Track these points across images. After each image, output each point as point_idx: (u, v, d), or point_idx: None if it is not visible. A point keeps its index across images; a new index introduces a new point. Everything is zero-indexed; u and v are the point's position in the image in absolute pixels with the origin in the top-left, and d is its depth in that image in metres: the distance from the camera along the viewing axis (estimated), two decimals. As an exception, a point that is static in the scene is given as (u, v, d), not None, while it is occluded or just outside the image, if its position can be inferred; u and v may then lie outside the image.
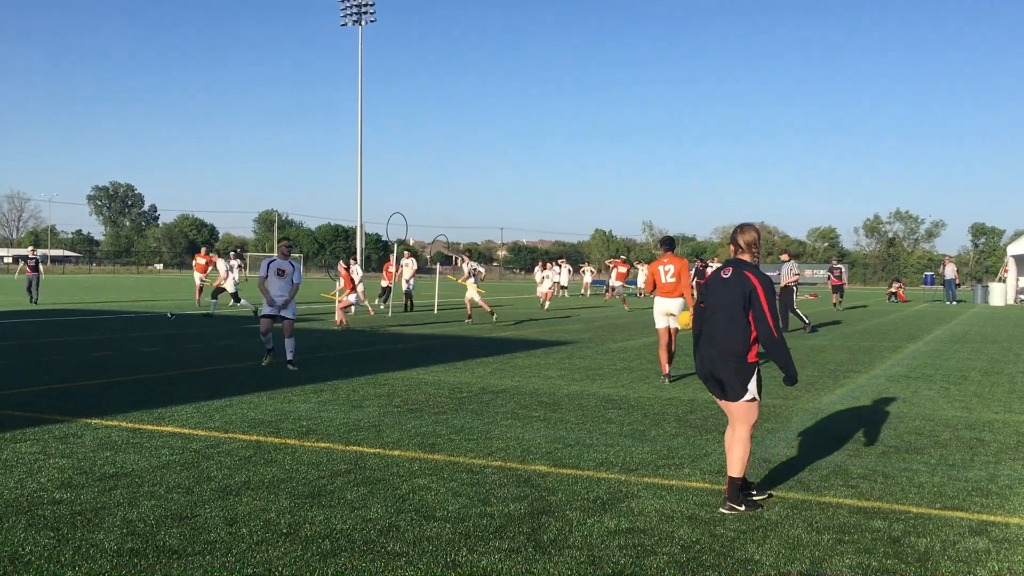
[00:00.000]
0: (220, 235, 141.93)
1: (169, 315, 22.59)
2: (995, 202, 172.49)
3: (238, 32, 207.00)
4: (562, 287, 47.94)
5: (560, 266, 48.15)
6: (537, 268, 51.25)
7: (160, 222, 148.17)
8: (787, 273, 22.56)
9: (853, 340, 19.35)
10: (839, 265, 38.33)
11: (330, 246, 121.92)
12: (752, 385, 5.68)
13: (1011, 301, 43.62)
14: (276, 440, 7.67)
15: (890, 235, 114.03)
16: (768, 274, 5.86)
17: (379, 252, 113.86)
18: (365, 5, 69.28)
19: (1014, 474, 6.88)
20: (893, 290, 47.96)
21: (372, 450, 7.35)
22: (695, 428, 8.61)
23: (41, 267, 30.60)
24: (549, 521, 5.45)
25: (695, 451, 7.52)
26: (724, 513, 5.61)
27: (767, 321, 5.55)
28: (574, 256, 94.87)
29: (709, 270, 41.20)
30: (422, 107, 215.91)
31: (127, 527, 5.16)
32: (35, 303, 28.65)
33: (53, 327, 19.74)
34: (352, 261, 23.45)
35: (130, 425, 8.22)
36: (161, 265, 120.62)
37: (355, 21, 69.50)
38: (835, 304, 34.71)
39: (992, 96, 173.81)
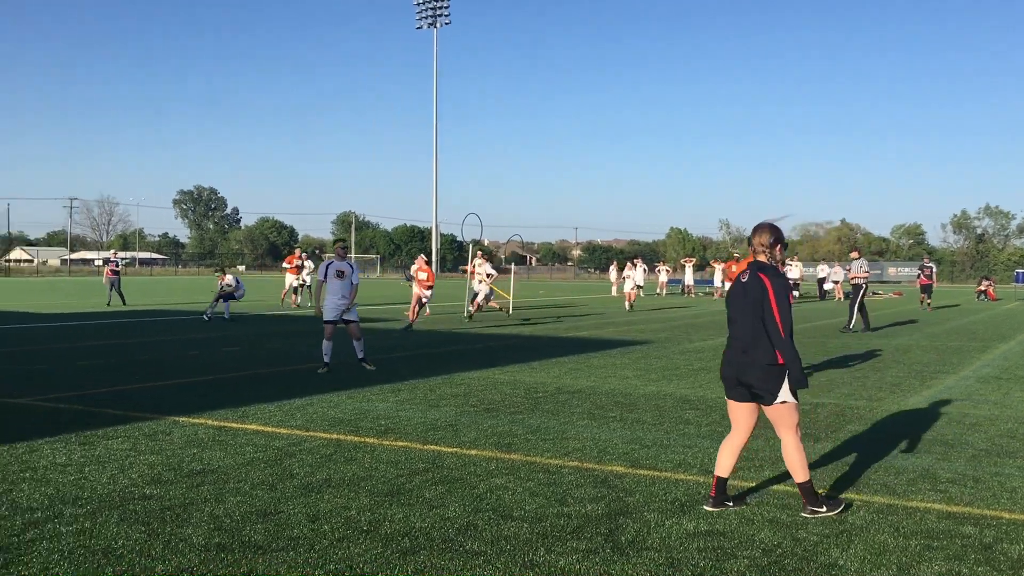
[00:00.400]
0: (299, 236, 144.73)
1: (206, 317, 23.02)
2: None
3: (316, 37, 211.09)
4: (638, 286, 47.58)
5: (636, 266, 47.84)
6: (612, 268, 51.06)
7: (242, 224, 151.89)
8: (857, 271, 22.10)
9: (940, 340, 18.79)
10: (930, 264, 37.12)
11: (406, 247, 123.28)
12: (785, 387, 5.57)
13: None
14: (356, 439, 7.79)
15: (979, 231, 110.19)
16: (787, 275, 5.78)
17: (454, 253, 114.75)
18: (440, 7, 69.93)
19: (1115, 480, 6.58)
20: (982, 288, 46.37)
21: (450, 449, 7.41)
22: (774, 430, 8.45)
23: (121, 270, 31.30)
24: (627, 522, 5.42)
25: (776, 453, 7.39)
26: (806, 517, 5.53)
27: (775, 321, 5.48)
28: (649, 255, 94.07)
29: (851, 267, 40.39)
30: (497, 107, 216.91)
31: (214, 522, 5.31)
32: (109, 305, 29.00)
33: (141, 328, 20.40)
34: (482, 258, 23.82)
35: (216, 423, 8.45)
36: (244, 267, 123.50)
37: (430, 24, 70.28)
38: (924, 304, 33.61)
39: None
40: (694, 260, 55.14)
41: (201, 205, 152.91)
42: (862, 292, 21.60)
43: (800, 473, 5.60)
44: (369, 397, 10.14)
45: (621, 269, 48.21)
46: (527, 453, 7.31)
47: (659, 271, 50.23)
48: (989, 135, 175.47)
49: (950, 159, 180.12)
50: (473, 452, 7.31)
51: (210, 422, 8.50)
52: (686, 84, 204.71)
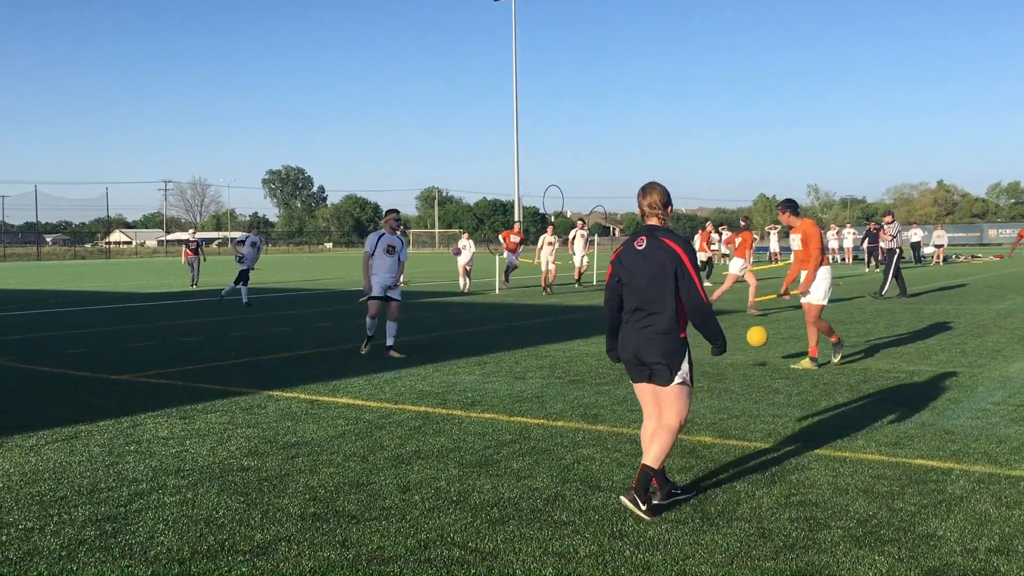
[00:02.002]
0: (383, 213, 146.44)
1: (245, 301, 23.13)
2: None
3: (394, 10, 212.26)
4: (724, 255, 46.84)
5: (721, 233, 47.00)
6: (698, 236, 50.28)
7: (328, 202, 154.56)
8: (890, 234, 21.45)
9: (1044, 303, 18.03)
10: None
11: (488, 220, 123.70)
12: (685, 366, 5.07)
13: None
14: (443, 411, 7.90)
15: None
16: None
17: (536, 225, 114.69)
18: (517, -22, 69.38)
19: None
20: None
21: (536, 421, 7.45)
22: (869, 398, 8.25)
23: (202, 250, 30.55)
24: (716, 492, 5.37)
25: (869, 422, 7.21)
26: (625, 502, 4.91)
27: (696, 288, 4.99)
28: (736, 223, 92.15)
29: (885, 230, 39.25)
30: (576, 77, 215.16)
31: (309, 493, 5.45)
32: (195, 285, 28.67)
33: (234, 305, 20.99)
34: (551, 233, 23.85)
35: (308, 397, 8.66)
36: (331, 244, 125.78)
37: (507, -5, 69.78)
38: None
39: None
40: (779, 227, 53.89)
41: (289, 184, 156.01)
42: (896, 257, 20.88)
43: (654, 458, 5.00)
44: (455, 370, 10.25)
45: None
46: (614, 424, 7.30)
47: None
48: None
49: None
50: (559, 423, 7.33)
51: (303, 396, 8.71)
52: (769, 46, 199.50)
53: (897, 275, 20.81)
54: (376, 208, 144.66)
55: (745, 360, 10.77)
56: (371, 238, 11.79)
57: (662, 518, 4.91)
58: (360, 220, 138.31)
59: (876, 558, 4.30)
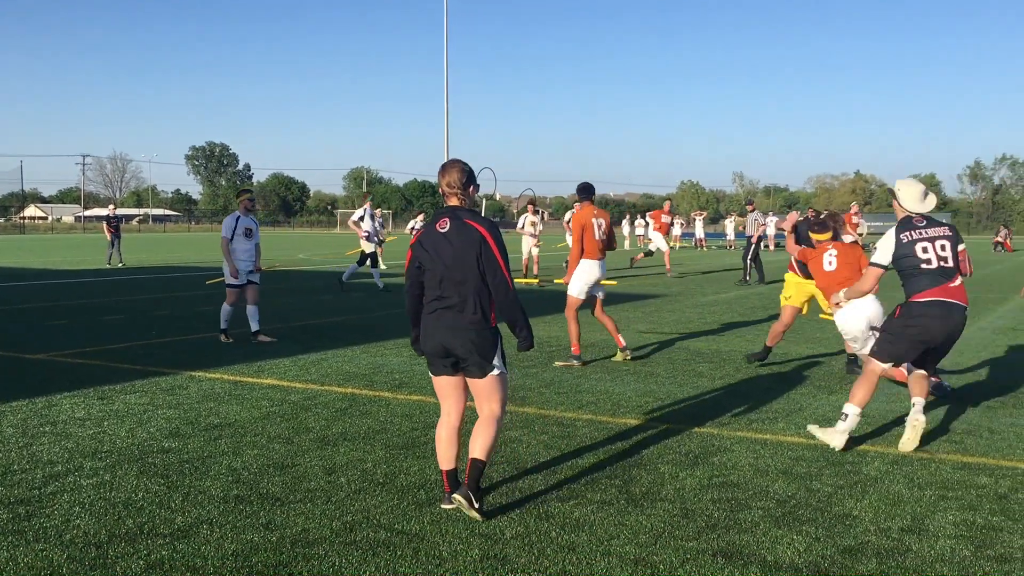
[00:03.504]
0: (311, 193, 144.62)
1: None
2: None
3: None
4: (649, 240, 47.46)
5: (648, 220, 47.64)
6: (625, 222, 50.88)
7: (254, 180, 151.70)
8: (752, 224, 21.99)
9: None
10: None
11: (418, 202, 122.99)
12: (499, 355, 4.78)
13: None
14: (370, 393, 7.84)
15: (996, 182, 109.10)
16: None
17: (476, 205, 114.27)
18: (450, -42, 68.89)
19: None
20: (999, 239, 46.04)
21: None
22: (790, 382, 8.46)
23: (121, 227, 28.51)
24: (640, 474, 5.44)
25: (789, 405, 7.39)
26: (459, 500, 4.60)
27: (502, 274, 4.67)
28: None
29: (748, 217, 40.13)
30: (508, 59, 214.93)
31: (232, 475, 5.36)
32: (111, 263, 27.11)
33: (155, 284, 20.49)
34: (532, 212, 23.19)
35: (232, 378, 8.51)
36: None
37: (440, -26, 69.25)
38: None
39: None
40: (705, 213, 54.94)
41: (213, 161, 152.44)
42: (755, 245, 21.57)
43: (483, 450, 4.68)
44: (383, 352, 10.18)
45: (632, 222, 48.14)
46: (541, 406, 7.34)
47: (672, 225, 50.07)
48: (1005, 83, 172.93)
49: (965, 108, 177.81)
50: (487, 405, 7.33)
51: (226, 377, 8.55)
52: (697, 33, 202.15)
53: (755, 260, 21.49)
54: (303, 188, 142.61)
55: (670, 344, 10.93)
56: (228, 221, 11.05)
57: (587, 499, 4.96)
58: (287, 199, 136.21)
59: (794, 537, 4.41)
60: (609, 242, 9.59)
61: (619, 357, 9.66)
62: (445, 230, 4.70)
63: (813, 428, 6.28)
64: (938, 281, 6.11)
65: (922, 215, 6.35)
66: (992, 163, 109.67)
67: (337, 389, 7.98)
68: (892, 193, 6.59)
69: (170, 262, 30.68)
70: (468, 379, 4.81)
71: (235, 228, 11.00)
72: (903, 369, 6.80)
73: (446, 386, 4.88)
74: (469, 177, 4.81)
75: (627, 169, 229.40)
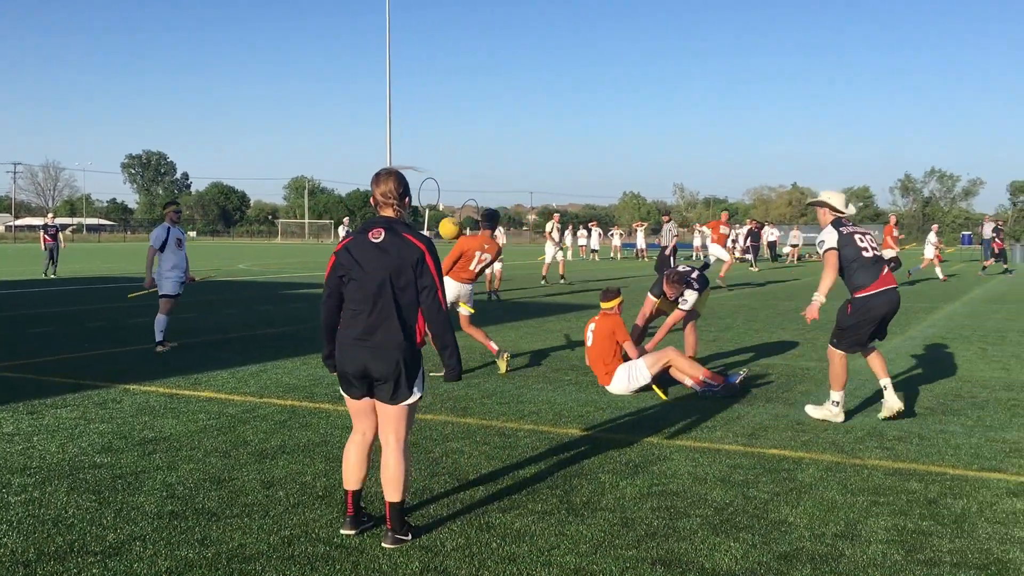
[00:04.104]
0: (251, 202, 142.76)
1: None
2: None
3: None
4: (592, 251, 47.84)
5: (591, 230, 48.01)
6: (567, 232, 51.17)
7: (192, 190, 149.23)
8: (667, 236, 22.26)
9: (888, 301, 19.17)
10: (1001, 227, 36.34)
11: (360, 211, 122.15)
12: (419, 381, 4.48)
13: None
14: (310, 405, 7.75)
15: (926, 194, 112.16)
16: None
17: (410, 218, 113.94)
18: (392, -33, 68.78)
19: (1053, 435, 6.79)
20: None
21: (405, 414, 7.39)
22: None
23: (59, 236, 27.95)
24: (581, 483, 5.47)
25: (728, 414, 7.50)
26: (387, 548, 4.39)
27: (437, 293, 4.36)
28: (605, 220, 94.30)
29: (765, 231, 40.62)
30: (450, 69, 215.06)
31: (167, 490, 5.26)
32: (49, 274, 26.56)
33: (90, 294, 20.02)
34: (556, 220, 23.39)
35: (167, 391, 8.34)
36: (194, 232, 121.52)
37: (382, -16, 69.07)
38: (986, 269, 32.51)
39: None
40: (646, 224, 55.56)
41: (150, 170, 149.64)
42: (670, 256, 21.91)
43: (398, 491, 4.45)
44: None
45: (575, 232, 48.46)
46: (483, 417, 7.33)
47: (612, 235, 50.56)
48: (933, 98, 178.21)
49: (895, 122, 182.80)
50: (429, 417, 7.31)
51: (161, 390, 8.39)
52: (638, 46, 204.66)
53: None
54: (243, 197, 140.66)
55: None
56: (159, 232, 11.08)
57: (528, 510, 4.96)
58: (226, 209, 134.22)
59: (732, 544, 4.47)
60: (480, 273, 9.78)
61: (502, 364, 9.46)
62: (379, 240, 4.38)
63: (810, 408, 7.33)
64: (877, 273, 7.08)
65: (849, 218, 7.36)
66: (922, 176, 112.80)
67: (276, 401, 7.88)
68: (821, 203, 7.44)
69: (105, 272, 30.01)
70: (378, 403, 4.49)
71: (166, 239, 11.04)
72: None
73: (361, 408, 4.58)
74: (406, 188, 4.55)
75: (570, 179, 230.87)
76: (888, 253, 24.33)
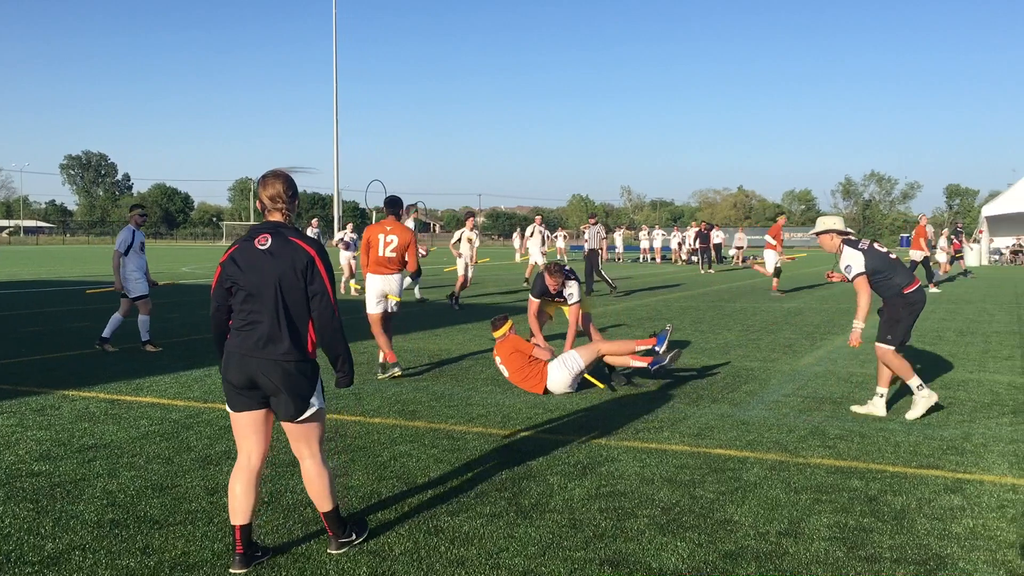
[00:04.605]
0: (196, 204, 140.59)
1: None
2: (970, 163, 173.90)
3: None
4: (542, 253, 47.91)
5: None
6: (516, 234, 51.32)
7: (134, 191, 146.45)
8: (594, 237, 22.47)
9: (830, 303, 19.50)
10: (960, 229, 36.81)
11: (306, 214, 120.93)
12: (318, 390, 4.26)
13: (985, 262, 44.12)
14: (256, 409, 7.64)
15: (866, 197, 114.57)
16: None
17: (357, 220, 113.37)
18: (338, -32, 68.26)
19: (988, 432, 6.98)
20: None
21: (352, 418, 7.35)
22: (674, 392, 8.66)
23: None
24: (530, 485, 5.48)
25: (674, 415, 7.57)
26: (333, 554, 4.35)
27: (329, 299, 4.18)
28: (553, 222, 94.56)
29: (714, 233, 40.91)
30: (398, 70, 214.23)
31: (107, 498, 5.15)
32: None
33: (27, 298, 19.52)
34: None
35: (108, 396, 8.17)
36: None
37: (329, -16, 68.54)
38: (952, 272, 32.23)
39: (964, 56, 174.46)
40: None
41: (90, 171, 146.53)
42: (598, 258, 22.05)
43: (328, 500, 4.34)
44: (270, 367, 9.94)
45: (523, 235, 48.57)
46: (431, 420, 7.31)
47: (557, 237, 50.79)
48: (875, 100, 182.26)
49: (838, 124, 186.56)
50: (377, 420, 7.26)
51: (102, 395, 8.21)
52: (586, 51, 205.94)
53: (599, 274, 21.98)
54: (187, 199, 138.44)
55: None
56: (124, 235, 11.14)
57: (477, 512, 4.96)
58: (169, 211, 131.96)
59: (678, 544, 4.51)
60: (401, 259, 9.48)
61: (389, 374, 9.35)
62: (265, 247, 4.17)
63: (856, 408, 7.75)
64: (910, 272, 7.74)
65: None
66: (861, 179, 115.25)
67: (221, 406, 7.76)
68: (826, 231, 7.77)
69: (42, 276, 29.30)
70: (283, 421, 4.24)
71: (131, 243, 11.11)
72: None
73: (248, 424, 4.25)
74: (295, 190, 4.33)
75: (519, 182, 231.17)
76: (917, 255, 23.74)
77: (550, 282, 9.43)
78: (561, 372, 8.49)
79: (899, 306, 7.54)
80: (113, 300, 19.35)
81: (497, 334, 9.02)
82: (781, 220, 24.32)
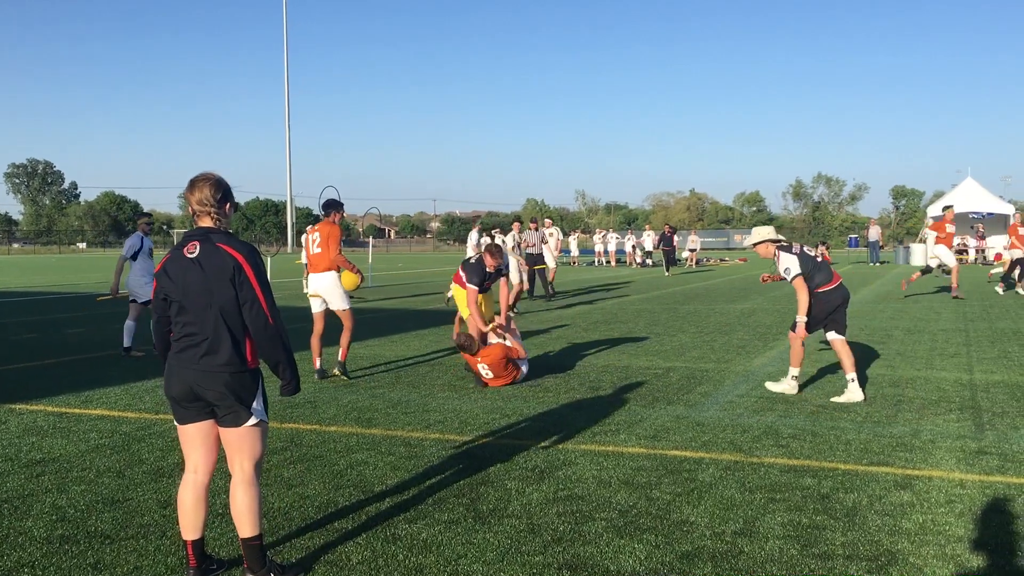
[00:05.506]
0: (138, 214, 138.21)
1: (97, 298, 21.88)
2: (914, 165, 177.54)
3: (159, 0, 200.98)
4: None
5: (492, 238, 47.88)
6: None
7: (82, 200, 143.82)
8: (532, 241, 22.35)
9: (782, 303, 19.77)
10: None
11: (260, 221, 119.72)
12: (259, 401, 4.15)
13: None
14: (209, 420, 7.54)
15: (815, 199, 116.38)
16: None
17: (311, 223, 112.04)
18: (288, -27, 67.79)
19: (936, 429, 7.12)
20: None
21: (308, 427, 7.29)
22: (630, 394, 8.72)
23: None
24: (488, 491, 5.47)
25: (630, 417, 7.62)
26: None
27: (261, 305, 4.01)
28: (508, 227, 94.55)
29: (677, 236, 41.17)
30: (351, 76, 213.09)
31: (57, 513, 5.05)
32: None
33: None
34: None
35: (56, 409, 8.01)
36: (84, 244, 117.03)
37: (279, -10, 68.00)
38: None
39: (910, 59, 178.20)
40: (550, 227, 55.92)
41: (36, 179, 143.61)
42: (535, 262, 21.85)
43: (249, 525, 4.08)
44: (223, 376, 9.82)
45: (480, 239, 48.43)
46: (388, 427, 7.27)
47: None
48: (822, 102, 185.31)
49: (787, 127, 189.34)
50: (333, 428, 7.21)
51: (50, 408, 8.05)
52: (540, 55, 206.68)
53: (541, 278, 22.02)
54: (136, 206, 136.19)
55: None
56: (133, 241, 11.86)
57: (435, 519, 4.95)
58: (118, 219, 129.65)
59: (636, 546, 4.54)
60: (324, 257, 9.50)
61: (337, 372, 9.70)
62: (194, 255, 4.00)
63: (835, 398, 8.28)
64: (830, 272, 8.53)
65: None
66: (811, 181, 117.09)
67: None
68: (761, 241, 8.59)
69: (-13, 287, 28.64)
70: (220, 429, 4.12)
71: (140, 248, 11.83)
72: None
73: (195, 436, 4.14)
74: (225, 193, 4.12)
75: (473, 186, 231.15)
76: (1017, 253, 22.57)
77: (490, 262, 9.76)
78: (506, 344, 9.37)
79: (813, 301, 8.44)
80: (69, 309, 18.97)
81: (471, 358, 9.22)
82: (949, 214, 21.09)
